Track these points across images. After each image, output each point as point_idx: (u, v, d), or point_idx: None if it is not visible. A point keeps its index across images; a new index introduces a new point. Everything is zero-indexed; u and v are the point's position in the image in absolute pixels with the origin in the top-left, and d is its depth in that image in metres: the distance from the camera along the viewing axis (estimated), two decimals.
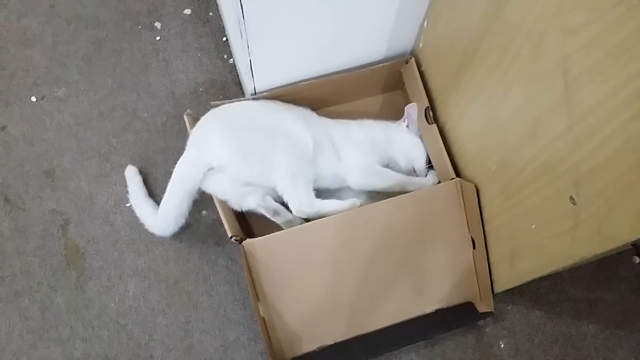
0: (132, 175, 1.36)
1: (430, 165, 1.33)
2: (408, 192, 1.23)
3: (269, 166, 1.18)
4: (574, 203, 0.84)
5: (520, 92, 0.92)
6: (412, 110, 1.31)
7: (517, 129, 0.95)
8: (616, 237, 0.78)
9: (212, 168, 1.20)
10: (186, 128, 1.28)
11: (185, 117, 1.28)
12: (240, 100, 1.29)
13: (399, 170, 1.31)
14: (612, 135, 0.73)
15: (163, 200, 1.24)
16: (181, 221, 1.26)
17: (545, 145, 0.87)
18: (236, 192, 1.22)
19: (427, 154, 1.33)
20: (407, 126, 1.33)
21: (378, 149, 1.31)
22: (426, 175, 1.32)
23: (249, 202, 1.23)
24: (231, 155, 1.18)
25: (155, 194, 1.37)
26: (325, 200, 1.21)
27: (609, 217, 0.78)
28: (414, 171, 1.32)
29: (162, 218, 1.26)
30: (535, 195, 0.94)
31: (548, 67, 0.82)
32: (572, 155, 0.81)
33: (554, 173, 0.87)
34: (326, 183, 1.29)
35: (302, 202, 1.18)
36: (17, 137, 1.43)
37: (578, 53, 0.75)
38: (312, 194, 1.21)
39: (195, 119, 1.28)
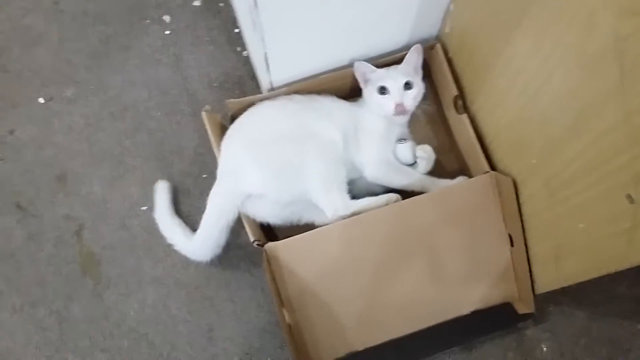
0: (161, 192, 1.28)
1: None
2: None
3: (303, 178, 1.12)
4: (632, 202, 0.75)
5: (565, 79, 0.83)
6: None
7: (562, 119, 0.86)
8: None
9: (250, 195, 1.14)
10: (202, 125, 1.21)
11: (203, 114, 1.21)
12: (256, 100, 1.22)
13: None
14: None
15: (200, 231, 1.17)
16: (219, 249, 1.20)
17: (597, 138, 0.79)
18: (277, 214, 1.19)
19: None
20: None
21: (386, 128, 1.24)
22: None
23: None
24: (268, 181, 1.13)
25: (172, 196, 1.31)
26: (360, 200, 1.15)
27: None
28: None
29: (200, 246, 1.19)
30: (584, 193, 0.86)
31: (599, 52, 0.73)
32: (629, 149, 0.73)
33: (607, 168, 0.78)
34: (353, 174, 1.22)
35: (337, 207, 1.12)
36: (25, 141, 1.38)
37: (636, 36, 0.66)
38: (347, 196, 1.15)
39: (213, 116, 1.21)
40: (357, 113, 1.24)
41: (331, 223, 1.12)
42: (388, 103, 1.17)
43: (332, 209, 1.12)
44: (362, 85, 1.23)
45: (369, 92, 1.21)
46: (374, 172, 1.21)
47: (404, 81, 1.17)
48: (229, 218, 1.15)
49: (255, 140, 1.15)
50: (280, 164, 1.13)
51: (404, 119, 1.25)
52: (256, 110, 1.21)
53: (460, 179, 1.20)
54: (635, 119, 0.70)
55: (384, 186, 1.22)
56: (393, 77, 1.18)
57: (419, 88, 1.19)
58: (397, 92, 1.16)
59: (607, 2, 0.70)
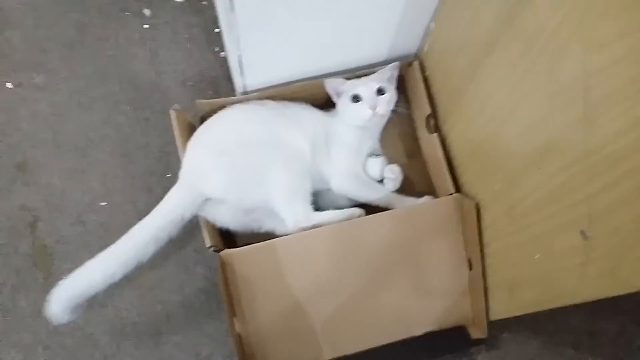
0: None
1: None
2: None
3: (265, 186, 1.10)
4: (585, 238, 0.75)
5: (531, 109, 0.83)
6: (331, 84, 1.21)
7: (526, 149, 0.86)
8: (631, 282, 0.70)
9: (209, 199, 1.11)
10: (170, 124, 1.18)
11: (171, 112, 1.17)
12: (228, 103, 1.20)
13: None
14: (635, 170, 0.63)
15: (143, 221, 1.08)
16: (152, 248, 1.07)
17: (556, 172, 0.78)
18: (237, 221, 1.16)
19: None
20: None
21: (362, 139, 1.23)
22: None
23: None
24: (229, 186, 1.10)
25: (134, 193, 1.29)
26: (323, 212, 1.14)
27: (624, 260, 0.69)
28: None
29: (135, 237, 1.07)
30: (541, 224, 0.85)
31: (566, 85, 0.73)
32: (586, 186, 0.72)
33: (565, 202, 0.78)
34: (319, 185, 1.21)
35: (298, 218, 1.11)
36: None
37: (603, 71, 0.65)
38: (310, 208, 1.13)
39: (182, 115, 1.18)
40: (331, 123, 1.23)
41: (291, 233, 1.11)
42: (362, 109, 1.16)
43: (293, 220, 1.10)
44: (334, 99, 1.22)
45: (343, 103, 1.20)
46: (342, 183, 1.20)
47: (377, 87, 1.17)
48: (183, 214, 1.08)
49: (221, 144, 1.13)
50: (244, 170, 1.11)
51: (379, 125, 1.25)
52: (226, 113, 1.19)
53: (426, 199, 1.19)
54: (593, 157, 0.69)
55: (349, 199, 1.21)
56: (365, 84, 1.18)
57: (391, 93, 1.19)
58: (370, 98, 1.16)
59: (578, 35, 0.69)
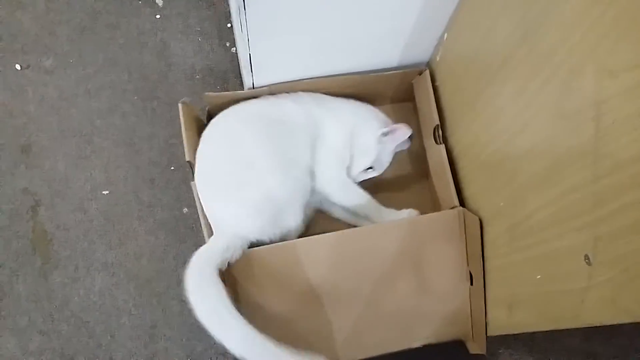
0: None
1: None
2: (374, 221, 1.19)
3: (305, 168, 1.12)
4: (589, 263, 0.74)
5: (540, 130, 0.81)
6: (402, 131, 1.17)
7: (532, 168, 0.85)
8: (632, 312, 0.68)
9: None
10: (177, 117, 1.17)
11: (179, 105, 1.13)
12: (236, 97, 1.18)
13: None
14: None
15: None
16: None
17: (563, 194, 0.77)
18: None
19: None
20: (383, 134, 1.18)
21: (347, 145, 1.20)
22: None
23: None
24: (262, 227, 1.08)
25: (136, 184, 1.28)
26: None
27: (627, 289, 0.68)
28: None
29: None
30: (543, 245, 0.84)
31: (577, 108, 0.71)
32: (592, 211, 0.71)
33: (569, 226, 0.77)
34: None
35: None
36: None
37: (616, 99, 0.64)
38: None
39: (190, 109, 1.15)
40: (323, 124, 1.19)
41: None
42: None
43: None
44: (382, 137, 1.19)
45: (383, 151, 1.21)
46: (338, 193, 1.19)
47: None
48: (230, 258, 1.03)
49: (229, 182, 1.07)
50: (268, 205, 1.06)
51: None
52: (231, 115, 1.15)
53: (409, 212, 1.18)
54: (601, 183, 0.68)
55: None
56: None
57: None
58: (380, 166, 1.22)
59: (592, 60, 0.68)
